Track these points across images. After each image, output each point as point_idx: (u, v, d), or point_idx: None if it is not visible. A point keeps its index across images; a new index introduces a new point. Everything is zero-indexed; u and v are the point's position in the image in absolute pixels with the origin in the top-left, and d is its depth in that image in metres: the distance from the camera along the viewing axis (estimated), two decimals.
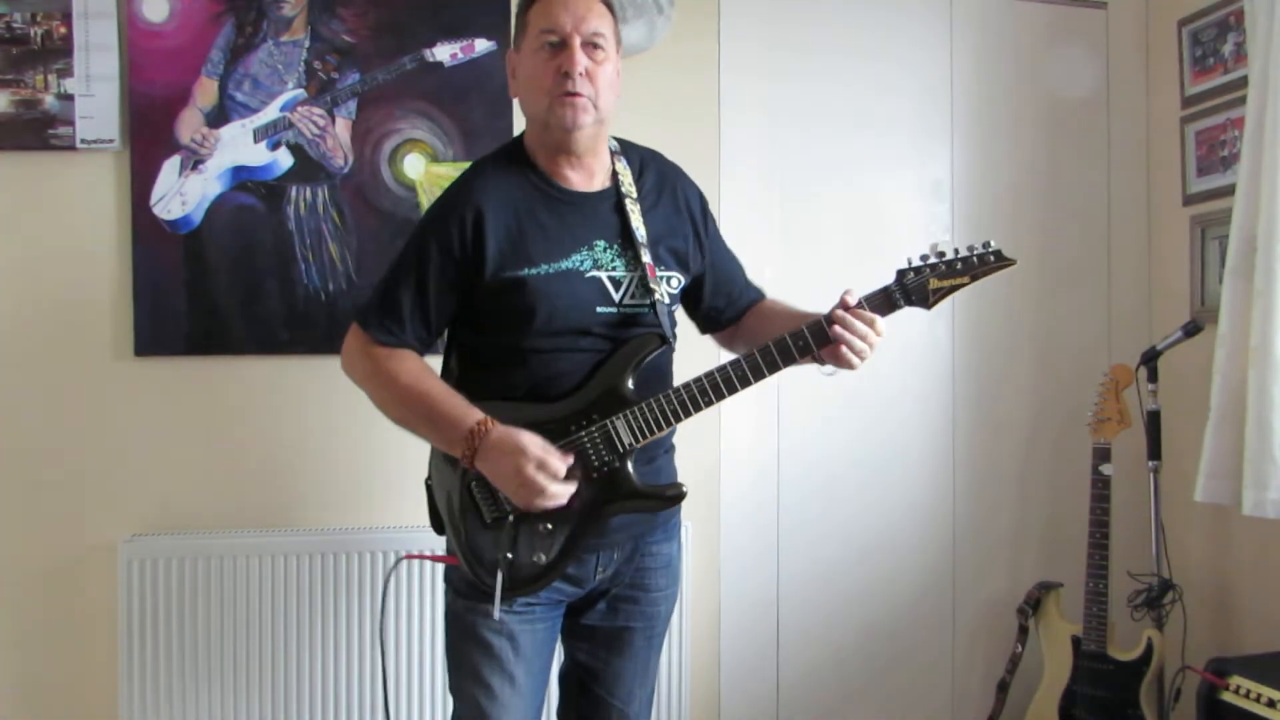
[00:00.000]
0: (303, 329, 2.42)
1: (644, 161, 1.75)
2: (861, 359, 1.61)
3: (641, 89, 2.55)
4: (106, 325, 2.37)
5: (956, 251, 1.63)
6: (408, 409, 1.62)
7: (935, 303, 1.62)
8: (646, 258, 1.65)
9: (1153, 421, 2.57)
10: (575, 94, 1.57)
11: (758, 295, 1.89)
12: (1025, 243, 2.89)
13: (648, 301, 1.65)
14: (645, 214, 1.68)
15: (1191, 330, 2.51)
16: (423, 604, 2.39)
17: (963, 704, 2.87)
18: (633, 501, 1.62)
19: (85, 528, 2.36)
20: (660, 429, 1.60)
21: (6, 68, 2.32)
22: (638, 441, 1.60)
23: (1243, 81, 2.51)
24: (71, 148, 2.34)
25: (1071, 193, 2.92)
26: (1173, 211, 2.85)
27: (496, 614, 1.60)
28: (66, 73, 2.34)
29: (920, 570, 2.84)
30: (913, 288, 1.61)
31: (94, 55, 2.35)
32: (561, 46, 1.58)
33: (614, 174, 1.70)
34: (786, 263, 2.68)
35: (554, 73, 1.58)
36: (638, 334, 1.65)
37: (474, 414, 1.56)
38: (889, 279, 1.63)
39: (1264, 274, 2.27)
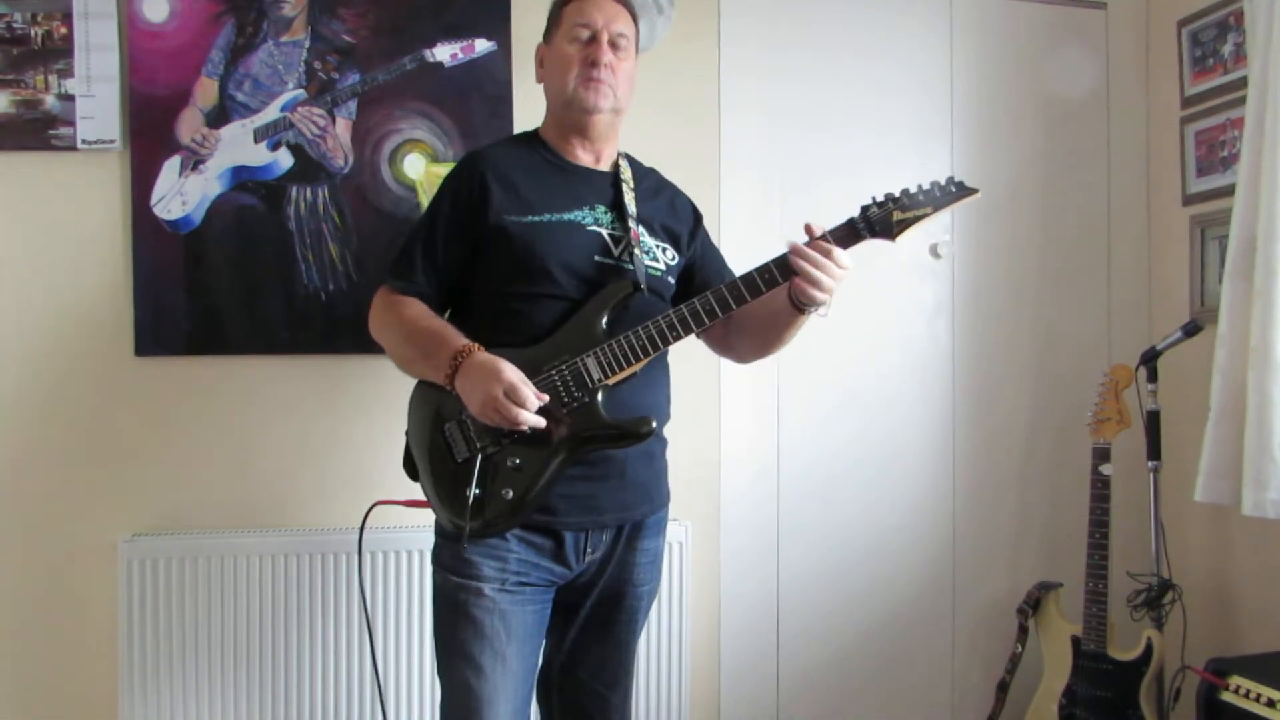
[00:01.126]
0: (303, 329, 2.42)
1: (645, 172, 1.92)
2: (822, 289, 1.64)
3: (641, 89, 2.54)
4: (106, 325, 2.37)
5: (919, 185, 1.69)
6: (407, 341, 1.74)
7: (899, 233, 1.67)
8: (634, 226, 1.79)
9: (1153, 421, 2.57)
10: (599, 79, 1.75)
11: None
12: (1025, 243, 2.89)
13: (649, 261, 1.79)
14: (639, 202, 1.83)
15: (1191, 330, 2.51)
16: (411, 595, 2.39)
17: (963, 704, 2.87)
18: (603, 438, 1.67)
19: (85, 528, 2.36)
20: (629, 363, 1.66)
21: (7, 68, 2.32)
22: (606, 376, 1.66)
23: (1243, 81, 2.51)
24: (72, 148, 2.34)
25: (1071, 193, 2.92)
26: (1173, 211, 2.85)
27: (465, 549, 1.66)
28: (67, 73, 2.34)
29: (920, 570, 2.84)
30: (876, 220, 1.67)
31: (94, 55, 2.35)
32: (592, 39, 1.77)
33: (616, 164, 1.86)
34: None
35: (583, 60, 1.76)
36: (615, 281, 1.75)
37: (461, 340, 1.67)
38: (854, 212, 1.70)
39: (1264, 274, 2.27)
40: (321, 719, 2.35)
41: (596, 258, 1.75)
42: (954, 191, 1.68)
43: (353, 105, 2.46)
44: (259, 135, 2.41)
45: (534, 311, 1.72)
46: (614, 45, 1.78)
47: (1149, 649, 2.43)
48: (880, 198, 1.69)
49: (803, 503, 2.75)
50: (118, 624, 2.29)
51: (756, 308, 1.74)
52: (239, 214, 2.40)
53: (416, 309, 1.77)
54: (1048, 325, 2.90)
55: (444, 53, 2.48)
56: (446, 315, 1.84)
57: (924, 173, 2.78)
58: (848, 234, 1.68)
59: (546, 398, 1.62)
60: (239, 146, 2.40)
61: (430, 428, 1.73)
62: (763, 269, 1.68)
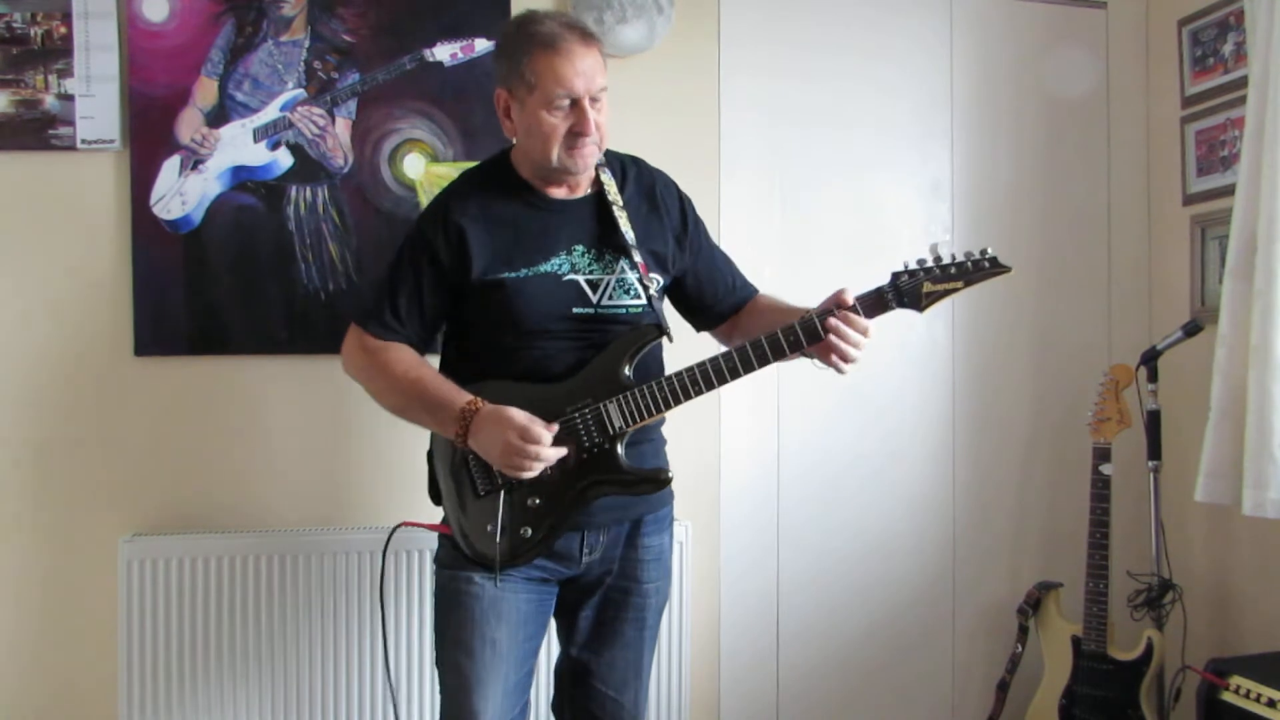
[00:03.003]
0: (303, 329, 2.42)
1: (625, 168, 1.84)
2: (848, 361, 1.65)
3: (641, 89, 2.56)
4: (106, 325, 2.37)
5: (953, 256, 1.66)
6: (403, 396, 1.72)
7: (928, 306, 1.66)
8: (638, 257, 1.75)
9: (1153, 421, 2.57)
10: (586, 146, 1.69)
11: (751, 292, 1.96)
12: (1025, 243, 2.89)
13: (629, 300, 1.76)
14: (630, 218, 1.78)
15: (1191, 330, 2.51)
16: (423, 594, 2.39)
17: (963, 704, 2.87)
18: (619, 483, 1.69)
19: (85, 527, 2.36)
20: (651, 414, 1.67)
21: (6, 68, 2.32)
22: (628, 425, 1.67)
23: (1243, 81, 2.51)
24: (72, 148, 2.34)
25: (1071, 193, 2.92)
26: (1173, 211, 2.85)
27: (498, 581, 1.70)
28: (66, 73, 2.34)
29: (920, 570, 2.84)
30: (906, 290, 1.66)
31: (94, 55, 2.35)
32: (573, 105, 1.67)
33: (598, 182, 1.79)
34: (786, 263, 2.69)
35: (568, 130, 1.68)
36: (634, 326, 1.74)
37: (464, 395, 1.66)
38: (884, 279, 1.68)
39: (1264, 274, 2.27)
40: (322, 718, 2.35)
41: (575, 310, 1.72)
42: (987, 267, 1.66)
43: (352, 105, 2.46)
44: (259, 135, 2.41)
45: (539, 355, 1.72)
46: (593, 100, 1.68)
47: (1149, 649, 2.43)
48: (913, 265, 1.67)
49: (803, 503, 2.75)
50: (118, 624, 2.29)
51: (763, 324, 1.76)
52: (239, 214, 2.40)
53: (405, 358, 1.75)
54: (1048, 325, 2.90)
55: (444, 52, 2.48)
56: (444, 345, 1.85)
57: (924, 173, 2.82)
58: (875, 304, 1.67)
59: (556, 427, 1.63)
60: (239, 146, 2.40)
61: (456, 459, 1.73)
62: (789, 332, 1.66)
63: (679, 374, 1.67)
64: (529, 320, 1.70)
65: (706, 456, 2.66)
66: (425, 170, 2.48)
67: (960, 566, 2.87)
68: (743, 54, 2.69)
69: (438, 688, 1.80)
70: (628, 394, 1.66)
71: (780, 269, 2.66)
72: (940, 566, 2.85)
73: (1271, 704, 2.06)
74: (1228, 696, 2.16)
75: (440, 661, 1.79)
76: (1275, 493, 2.27)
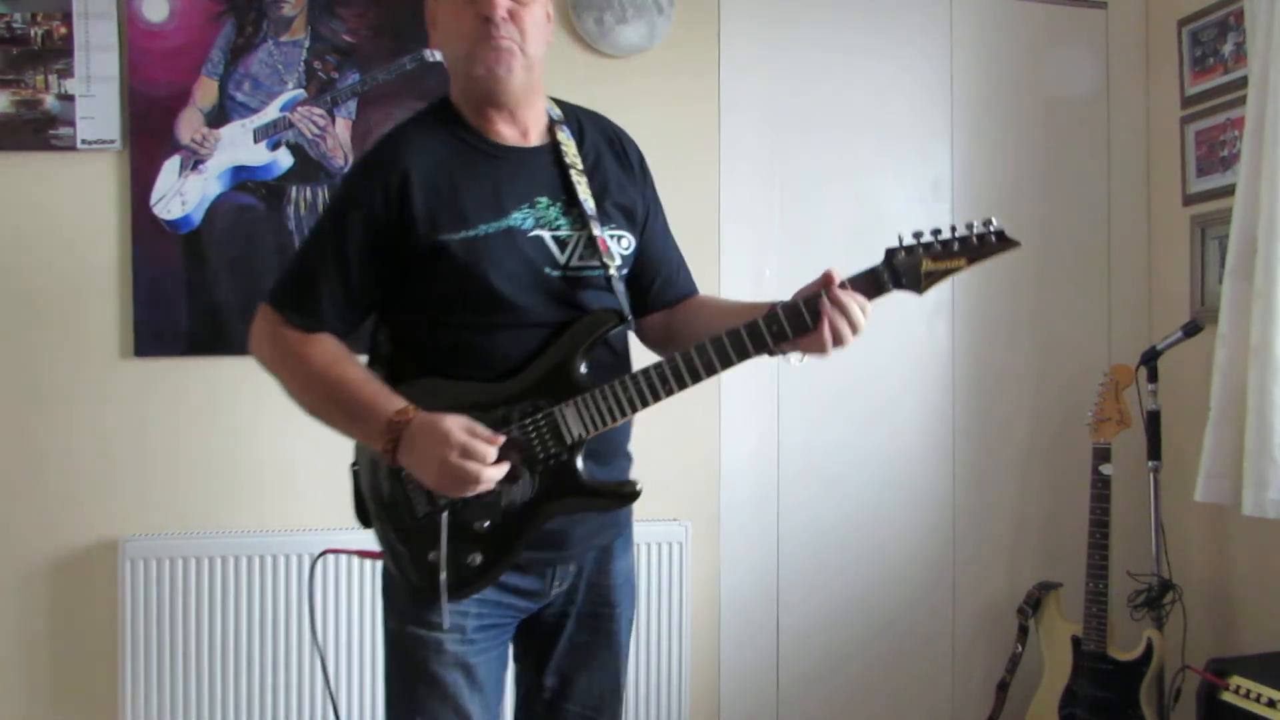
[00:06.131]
0: None
1: (582, 122, 1.59)
2: (842, 345, 1.42)
3: (641, 89, 2.56)
4: (106, 325, 2.37)
5: (954, 230, 1.44)
6: (320, 397, 1.46)
7: (928, 287, 1.43)
8: (597, 230, 1.50)
9: (1153, 421, 2.57)
10: (499, 38, 1.41)
11: (693, 289, 1.71)
12: (1025, 243, 2.86)
13: (596, 263, 1.50)
14: (589, 174, 1.53)
15: (1191, 330, 2.51)
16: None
17: (963, 704, 2.87)
18: (580, 499, 1.46)
19: (85, 528, 2.36)
20: (614, 419, 1.43)
21: (6, 68, 2.32)
22: (588, 433, 1.42)
23: (1243, 81, 2.51)
24: (72, 148, 2.34)
25: (1071, 193, 2.92)
26: (1173, 211, 2.85)
27: (446, 622, 1.44)
28: (67, 73, 2.34)
29: (920, 570, 2.84)
30: (903, 269, 1.43)
31: (94, 55, 2.35)
32: None
33: (552, 134, 1.54)
34: (786, 263, 2.69)
35: (473, 17, 1.42)
36: (591, 308, 1.49)
37: (394, 402, 1.40)
38: (877, 259, 1.45)
39: (1264, 274, 2.27)
40: (322, 718, 2.35)
41: (546, 270, 1.47)
42: (994, 242, 1.44)
43: (352, 105, 2.46)
44: (259, 135, 2.41)
45: (495, 344, 1.46)
46: None
47: (1149, 649, 2.43)
48: (908, 240, 1.43)
49: (803, 503, 2.75)
50: (118, 624, 2.29)
51: (718, 321, 1.50)
52: (239, 214, 2.41)
53: (324, 350, 1.46)
54: (1048, 325, 2.90)
55: None
56: (378, 340, 1.56)
57: (924, 172, 2.82)
58: (869, 285, 1.43)
59: (502, 439, 1.38)
60: (239, 146, 2.40)
61: (386, 474, 1.46)
62: (771, 319, 1.42)
63: (646, 372, 1.42)
64: (495, 288, 1.43)
65: (707, 456, 2.66)
66: None
67: (960, 566, 2.87)
68: (743, 54, 2.69)
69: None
70: (587, 396, 1.42)
71: (780, 269, 2.66)
72: (940, 566, 2.85)
73: (1271, 704, 2.06)
74: (1228, 696, 2.16)
75: None
76: (1275, 493, 2.27)
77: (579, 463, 1.44)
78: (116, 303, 2.37)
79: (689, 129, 2.63)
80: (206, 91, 2.40)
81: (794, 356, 1.46)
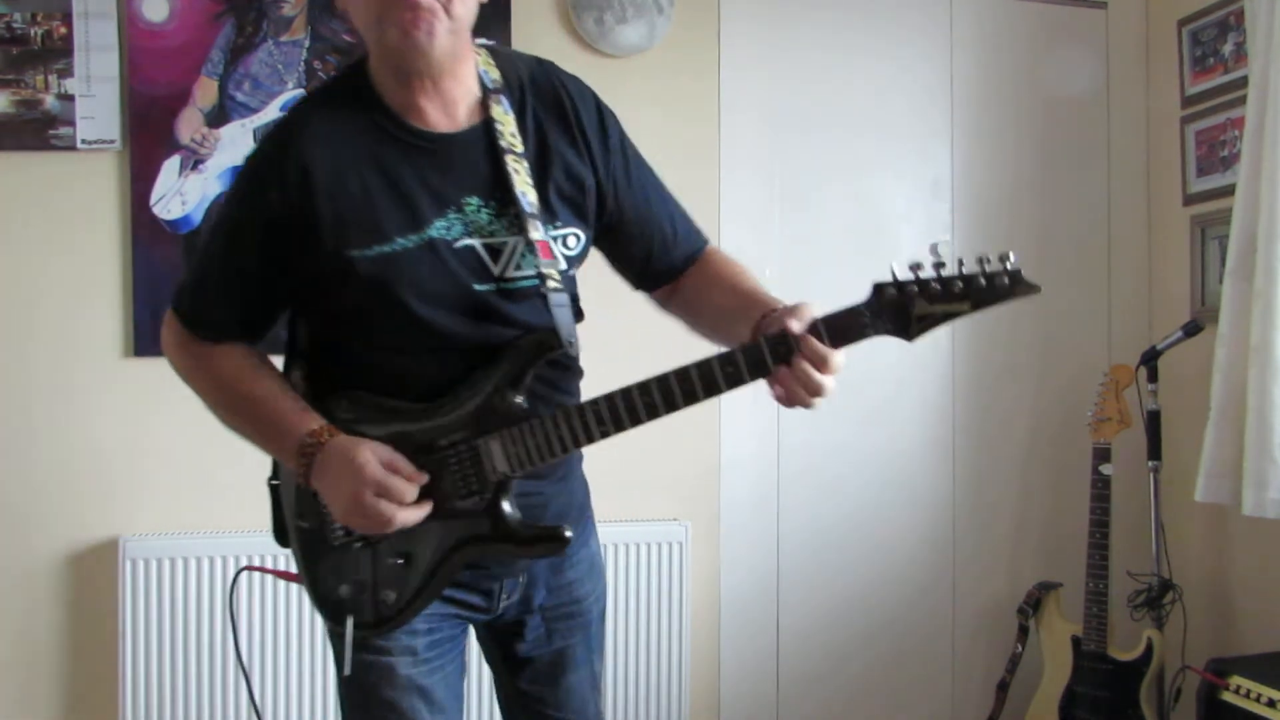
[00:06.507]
0: None
1: (524, 85, 1.34)
2: (806, 405, 1.21)
3: (641, 89, 2.56)
4: (106, 325, 2.37)
5: (960, 265, 1.16)
6: (232, 412, 1.34)
7: (920, 333, 1.18)
8: (537, 233, 1.27)
9: (1153, 421, 2.57)
10: (419, 5, 1.19)
11: (699, 245, 1.45)
12: (1025, 242, 2.88)
13: (533, 272, 1.29)
14: (531, 160, 1.29)
15: (1191, 330, 2.51)
16: None
17: (963, 704, 2.87)
18: (502, 546, 1.28)
19: (85, 528, 2.36)
20: (543, 459, 1.25)
21: (7, 68, 2.32)
22: (513, 471, 1.25)
23: (1243, 81, 2.51)
24: (72, 148, 2.34)
25: (1071, 192, 2.92)
26: (1173, 211, 2.85)
27: (347, 669, 1.30)
28: (67, 73, 2.34)
29: (920, 570, 2.84)
30: (890, 309, 1.18)
31: (94, 55, 2.35)
32: None
33: (486, 110, 1.30)
34: (787, 263, 2.69)
35: None
36: (530, 325, 1.30)
37: (307, 421, 1.27)
38: (865, 293, 1.21)
39: (1264, 274, 2.27)
40: (323, 717, 2.35)
41: (475, 286, 1.26)
42: (1005, 285, 1.14)
43: None
44: (259, 135, 2.42)
45: (416, 366, 1.29)
46: None
47: (1149, 649, 2.43)
48: (900, 275, 1.17)
49: (803, 503, 2.75)
50: (118, 624, 2.29)
51: (711, 305, 1.37)
52: None
53: (232, 365, 1.34)
54: (1048, 325, 2.90)
55: None
56: (296, 334, 1.42)
57: (924, 172, 2.82)
58: (847, 328, 1.19)
59: (425, 478, 1.24)
60: (239, 146, 2.40)
61: (301, 494, 1.32)
62: (726, 362, 1.22)
63: (583, 408, 1.23)
64: (414, 311, 1.24)
65: (706, 456, 2.66)
66: None
67: (960, 566, 2.87)
68: (743, 54, 2.69)
69: None
70: (516, 430, 1.24)
71: (780, 269, 2.66)
72: (940, 566, 2.85)
73: (1271, 704, 2.06)
74: (1228, 696, 2.16)
75: None
76: (1275, 493, 2.27)
77: (505, 504, 1.26)
78: (117, 303, 2.37)
79: (689, 129, 2.64)
80: (206, 91, 2.40)
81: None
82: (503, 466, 1.25)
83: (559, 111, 1.33)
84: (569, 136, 1.33)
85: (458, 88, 1.29)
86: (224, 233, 1.32)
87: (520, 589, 1.41)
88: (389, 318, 1.26)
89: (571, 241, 1.33)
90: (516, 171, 1.27)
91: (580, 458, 1.45)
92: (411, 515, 1.23)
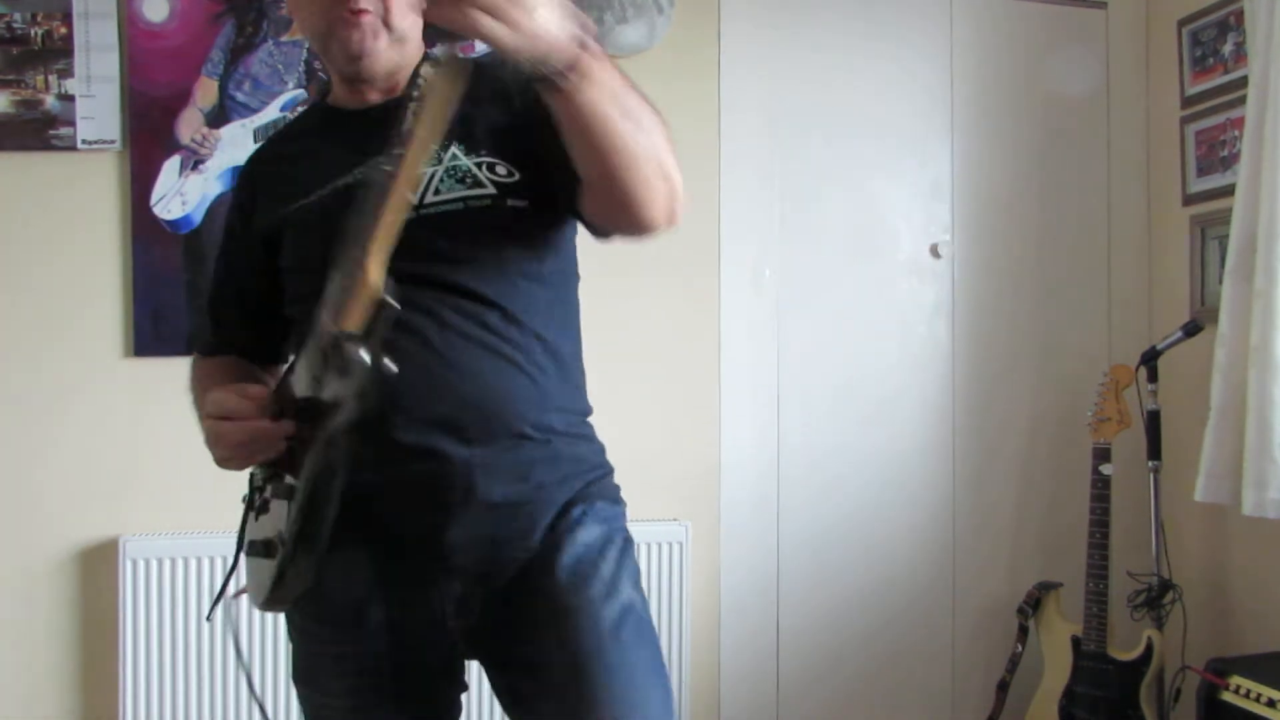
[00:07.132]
0: None
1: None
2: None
3: (642, 89, 2.55)
4: (106, 325, 2.37)
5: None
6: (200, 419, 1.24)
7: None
8: (459, 157, 1.20)
9: (1153, 421, 2.57)
10: (357, 11, 1.17)
11: None
12: (1025, 243, 2.89)
13: (465, 190, 1.18)
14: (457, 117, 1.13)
15: (1191, 330, 2.51)
16: None
17: (962, 704, 2.87)
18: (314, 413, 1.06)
19: (85, 527, 2.36)
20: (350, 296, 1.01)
21: (7, 68, 2.32)
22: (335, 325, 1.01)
23: (1243, 81, 2.51)
24: (72, 148, 2.34)
25: (1071, 193, 2.92)
26: (1173, 211, 2.85)
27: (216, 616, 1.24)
28: (67, 73, 2.34)
29: (920, 570, 2.84)
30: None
31: (94, 55, 2.35)
32: None
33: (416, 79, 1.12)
34: (787, 263, 2.68)
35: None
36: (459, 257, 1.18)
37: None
38: None
39: (1264, 274, 2.27)
40: None
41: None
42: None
43: None
44: (259, 135, 2.41)
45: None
46: None
47: (1149, 649, 2.43)
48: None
49: (803, 503, 2.74)
50: (118, 624, 2.29)
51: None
52: None
53: (205, 372, 1.34)
54: (1048, 325, 2.90)
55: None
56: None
57: (924, 173, 2.82)
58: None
59: (262, 388, 1.14)
60: (239, 146, 2.40)
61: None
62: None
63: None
64: (314, 253, 1.13)
65: (706, 456, 2.66)
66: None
67: (960, 566, 2.87)
68: (743, 54, 2.69)
69: None
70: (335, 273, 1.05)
71: (780, 269, 2.66)
72: (940, 566, 2.85)
73: (1271, 704, 2.06)
74: (1228, 696, 2.16)
75: None
76: (1275, 493, 2.27)
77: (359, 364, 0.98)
78: (117, 303, 2.37)
79: (689, 129, 2.63)
80: (207, 91, 2.40)
81: (550, 75, 1.05)
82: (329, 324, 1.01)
83: (493, 74, 1.20)
84: (491, 93, 1.22)
85: (402, 76, 1.26)
86: (221, 249, 1.41)
87: (479, 601, 1.22)
88: (296, 268, 1.25)
89: (501, 170, 1.20)
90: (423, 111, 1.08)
91: (567, 433, 1.25)
92: (261, 428, 1.10)
